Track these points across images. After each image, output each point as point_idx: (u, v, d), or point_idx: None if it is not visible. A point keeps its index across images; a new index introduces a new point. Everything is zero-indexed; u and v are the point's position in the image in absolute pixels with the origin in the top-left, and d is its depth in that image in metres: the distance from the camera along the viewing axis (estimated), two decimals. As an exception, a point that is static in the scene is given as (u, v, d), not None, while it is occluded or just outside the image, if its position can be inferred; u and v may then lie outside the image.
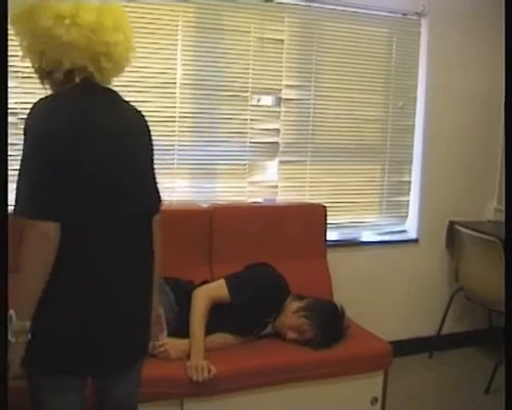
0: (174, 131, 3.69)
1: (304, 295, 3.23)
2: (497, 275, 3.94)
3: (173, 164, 3.72)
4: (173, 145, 3.70)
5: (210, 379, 2.74)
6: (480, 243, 4.06)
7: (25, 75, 3.18)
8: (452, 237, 4.47)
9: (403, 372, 4.06)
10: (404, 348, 4.24)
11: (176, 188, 3.76)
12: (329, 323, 3.13)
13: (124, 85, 3.49)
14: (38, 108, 1.88)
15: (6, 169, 1.74)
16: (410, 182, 4.48)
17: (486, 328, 4.74)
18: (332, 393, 3.12)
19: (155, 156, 3.60)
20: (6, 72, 1.77)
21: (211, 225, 3.53)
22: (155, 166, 3.68)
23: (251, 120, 3.90)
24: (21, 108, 3.20)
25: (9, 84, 2.63)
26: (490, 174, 4.69)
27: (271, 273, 3.21)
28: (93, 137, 1.90)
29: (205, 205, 3.68)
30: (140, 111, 2.16)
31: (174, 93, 3.66)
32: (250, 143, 3.92)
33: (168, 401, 2.77)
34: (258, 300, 3.07)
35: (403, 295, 4.47)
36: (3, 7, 1.75)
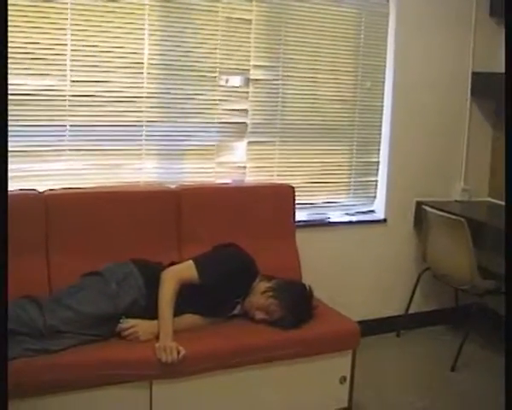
0: (141, 112, 3.66)
1: (272, 275, 3.25)
2: (463, 255, 4.00)
3: (141, 145, 3.70)
4: (141, 126, 3.68)
5: (179, 361, 2.75)
6: (446, 222, 4.12)
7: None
8: (420, 217, 4.52)
9: (371, 351, 4.11)
10: (372, 327, 4.28)
11: (143, 169, 3.74)
12: (298, 303, 3.15)
13: (91, 66, 3.48)
14: None
15: (6, 164, 1.72)
16: (377, 162, 4.52)
17: (453, 307, 4.82)
18: (301, 372, 3.15)
19: (123, 138, 3.61)
20: (6, 69, 1.74)
21: (179, 207, 3.53)
22: (123, 148, 3.68)
23: (219, 100, 3.89)
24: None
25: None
26: (456, 155, 4.74)
27: (240, 254, 3.23)
28: None
29: (173, 186, 3.67)
30: None
31: (141, 73, 3.63)
32: (218, 123, 3.91)
33: (137, 383, 2.78)
34: (227, 280, 3.08)
35: (371, 274, 4.52)
36: (3, 7, 1.73)
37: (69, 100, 3.45)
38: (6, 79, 1.75)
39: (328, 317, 3.32)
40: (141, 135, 3.69)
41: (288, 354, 3.07)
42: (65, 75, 3.43)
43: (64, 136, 3.49)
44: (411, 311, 4.65)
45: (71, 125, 3.49)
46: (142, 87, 3.65)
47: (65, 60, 3.42)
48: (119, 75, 3.58)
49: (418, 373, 4.09)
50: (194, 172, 3.89)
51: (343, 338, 3.25)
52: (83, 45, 3.45)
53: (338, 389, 3.26)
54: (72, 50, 3.43)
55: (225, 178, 3.99)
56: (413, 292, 4.61)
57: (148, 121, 3.70)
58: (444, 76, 4.58)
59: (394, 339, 4.58)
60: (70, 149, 3.52)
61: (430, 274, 4.50)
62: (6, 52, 1.75)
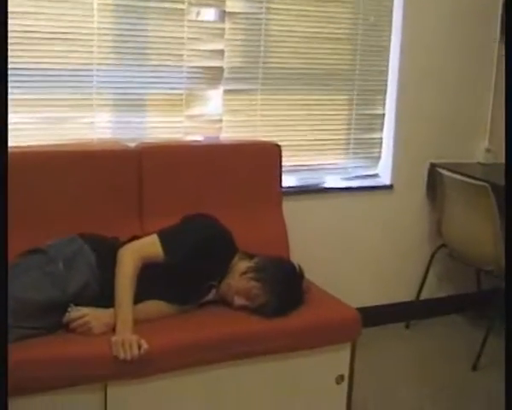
0: (91, 52, 3.64)
1: (254, 252, 3.27)
2: (486, 228, 4.03)
3: (91, 94, 3.68)
4: (91, 70, 3.65)
5: (140, 357, 2.74)
6: (467, 188, 4.14)
7: None
8: (434, 182, 4.55)
9: (374, 345, 4.15)
10: (375, 316, 4.34)
11: (95, 123, 3.73)
12: (285, 286, 3.15)
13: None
14: None
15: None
16: (383, 115, 4.54)
17: (474, 292, 4.86)
18: (289, 370, 3.17)
19: (69, 85, 3.58)
20: (6, 65, 1.83)
21: (140, 169, 3.53)
22: (69, 98, 3.64)
23: (188, 38, 3.87)
24: None
25: None
26: (480, 107, 4.75)
27: (214, 226, 3.22)
28: None
29: (132, 144, 3.67)
30: None
31: (91, 4, 3.60)
32: (187, 67, 3.90)
33: (88, 385, 2.77)
34: (199, 259, 3.09)
35: (374, 252, 4.56)
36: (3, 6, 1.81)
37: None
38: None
39: (321, 303, 3.34)
40: (91, 81, 3.67)
41: (274, 348, 3.08)
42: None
43: (-6, 82, 3.46)
44: (423, 297, 4.70)
45: (3, 69, 3.46)
46: (91, 21, 3.61)
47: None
48: (62, 6, 3.53)
49: (432, 373, 4.13)
50: (158, 127, 3.89)
51: (340, 329, 3.27)
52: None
53: (334, 390, 3.28)
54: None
55: (196, 135, 3.99)
56: (425, 274, 4.66)
57: (99, 65, 3.67)
58: (467, 8, 4.56)
59: (402, 331, 4.63)
60: (2, 99, 3.49)
61: (446, 252, 4.54)
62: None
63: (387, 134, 4.55)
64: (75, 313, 2.87)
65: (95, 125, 3.73)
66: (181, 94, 3.91)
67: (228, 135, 4.06)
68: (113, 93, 3.76)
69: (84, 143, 3.68)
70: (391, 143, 4.53)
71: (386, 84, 4.50)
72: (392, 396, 3.81)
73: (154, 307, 3.06)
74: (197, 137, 3.98)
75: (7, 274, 1.85)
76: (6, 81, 1.87)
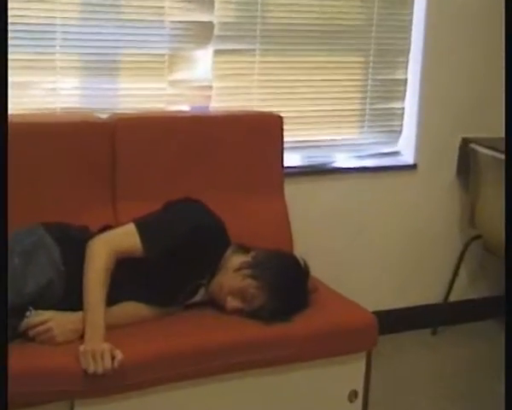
0: (54, 3, 3.61)
1: (250, 245, 3.27)
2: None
3: (54, 54, 3.69)
4: (54, 26, 3.65)
5: (114, 370, 2.74)
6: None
7: None
8: (467, 161, 4.55)
9: (394, 356, 4.16)
10: (395, 321, 4.36)
11: (59, 90, 3.73)
12: (287, 285, 3.16)
13: None
14: None
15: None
16: (405, 81, 4.54)
17: (513, 292, 4.88)
18: (292, 385, 3.18)
19: (26, 42, 3.56)
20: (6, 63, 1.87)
21: (113, 145, 3.53)
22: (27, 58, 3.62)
23: (171, -13, 3.89)
24: None
25: None
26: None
27: (203, 214, 3.23)
28: None
29: (104, 115, 3.67)
30: None
31: None
32: (170, 22, 3.90)
33: (52, 404, 2.77)
34: (184, 253, 3.09)
35: (393, 245, 4.57)
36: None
37: None
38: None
39: (330, 305, 3.36)
40: (54, 39, 3.67)
41: (274, 359, 3.08)
42: None
43: None
44: (452, 298, 4.71)
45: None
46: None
47: None
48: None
49: (462, 388, 4.13)
50: (136, 94, 3.90)
51: (353, 336, 3.28)
52: None
53: (346, 408, 3.29)
54: None
55: (181, 104, 4.00)
56: (455, 271, 4.67)
57: (64, 19, 3.66)
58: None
59: (428, 338, 4.64)
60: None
61: (481, 245, 4.54)
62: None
63: (410, 103, 4.55)
64: (35, 317, 2.86)
65: (58, 92, 3.73)
66: (163, 55, 3.91)
67: (219, 104, 4.06)
68: (81, 53, 3.77)
69: (46, 113, 3.69)
70: (414, 115, 4.54)
71: (409, 43, 4.49)
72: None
73: (130, 309, 3.08)
74: (182, 107, 4.00)
75: (7, 273, 1.88)
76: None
